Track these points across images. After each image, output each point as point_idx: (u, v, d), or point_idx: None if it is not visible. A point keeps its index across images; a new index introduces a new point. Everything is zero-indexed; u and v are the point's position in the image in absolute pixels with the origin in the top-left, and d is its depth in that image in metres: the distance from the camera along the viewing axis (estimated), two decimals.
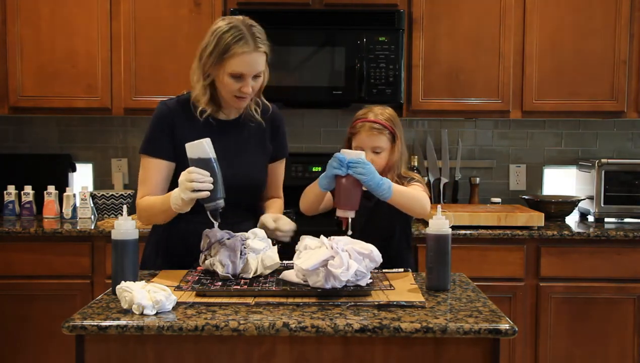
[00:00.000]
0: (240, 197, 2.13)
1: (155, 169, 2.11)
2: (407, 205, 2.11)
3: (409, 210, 2.13)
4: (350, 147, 2.26)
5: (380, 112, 2.25)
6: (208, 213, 1.94)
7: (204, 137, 1.94)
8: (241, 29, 2.02)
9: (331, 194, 2.18)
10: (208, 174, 1.88)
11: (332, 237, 1.83)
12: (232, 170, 2.09)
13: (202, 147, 1.90)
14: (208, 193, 1.88)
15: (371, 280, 1.83)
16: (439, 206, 1.94)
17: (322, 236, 1.84)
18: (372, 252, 1.79)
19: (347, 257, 1.74)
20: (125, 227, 1.78)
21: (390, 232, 2.28)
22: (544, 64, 3.41)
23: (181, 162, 2.08)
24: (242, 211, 2.19)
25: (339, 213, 2.02)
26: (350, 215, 2.01)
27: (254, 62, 2.03)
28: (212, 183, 1.89)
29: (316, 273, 1.73)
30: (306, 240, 1.84)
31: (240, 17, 2.08)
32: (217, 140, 2.02)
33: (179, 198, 1.92)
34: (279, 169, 2.33)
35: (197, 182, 1.87)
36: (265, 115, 2.22)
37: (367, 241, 2.13)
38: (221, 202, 1.92)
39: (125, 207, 1.84)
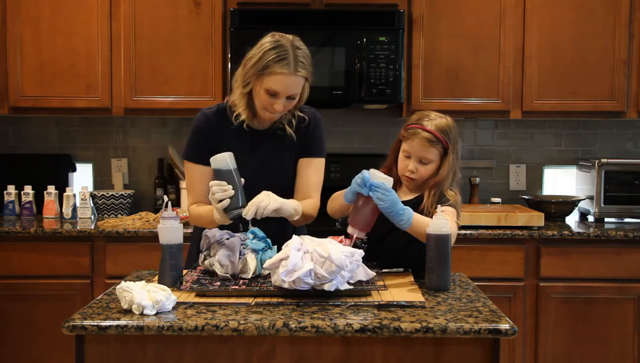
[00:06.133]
0: None
1: (197, 175, 2.21)
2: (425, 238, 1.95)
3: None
4: (398, 148, 2.16)
5: (437, 122, 2.09)
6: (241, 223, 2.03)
7: (239, 145, 2.12)
8: (287, 49, 2.03)
9: None
10: (225, 183, 1.98)
11: (304, 237, 1.81)
12: (261, 179, 2.13)
13: (223, 160, 2.00)
14: (228, 200, 1.98)
15: (351, 285, 1.77)
16: (439, 206, 1.93)
17: (298, 236, 1.81)
18: (331, 256, 1.70)
19: (300, 259, 1.70)
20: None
21: (411, 239, 2.11)
22: (544, 64, 3.41)
23: None
24: (274, 221, 2.13)
25: (349, 230, 1.97)
26: (360, 235, 1.96)
27: (290, 84, 2.05)
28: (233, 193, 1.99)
29: (275, 272, 1.74)
30: (291, 239, 1.81)
31: (290, 36, 2.08)
32: (249, 148, 2.15)
33: (215, 212, 2.04)
34: (307, 168, 2.24)
35: (218, 193, 1.97)
36: (302, 125, 2.22)
37: (386, 247, 2.10)
38: (241, 210, 1.98)
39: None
